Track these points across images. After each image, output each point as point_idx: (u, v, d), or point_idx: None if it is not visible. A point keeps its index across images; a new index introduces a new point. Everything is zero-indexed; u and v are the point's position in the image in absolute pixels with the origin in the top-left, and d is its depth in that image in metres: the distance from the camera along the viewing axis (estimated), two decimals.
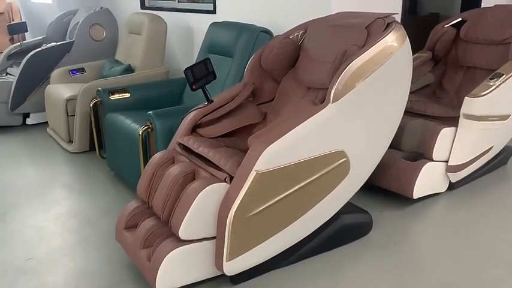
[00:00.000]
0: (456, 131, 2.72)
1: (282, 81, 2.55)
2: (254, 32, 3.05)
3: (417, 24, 4.73)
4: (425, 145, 2.71)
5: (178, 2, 4.35)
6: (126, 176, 3.05)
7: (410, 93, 2.32)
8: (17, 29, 4.93)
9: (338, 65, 2.07)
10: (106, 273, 2.16)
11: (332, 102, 1.98)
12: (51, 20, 5.13)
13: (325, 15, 2.56)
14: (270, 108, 2.56)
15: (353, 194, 2.23)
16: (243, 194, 1.83)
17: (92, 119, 3.38)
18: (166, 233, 1.97)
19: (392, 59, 2.10)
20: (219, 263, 1.91)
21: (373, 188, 2.74)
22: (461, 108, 2.70)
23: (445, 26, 3.36)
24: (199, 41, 3.55)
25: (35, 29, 5.72)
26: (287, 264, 2.15)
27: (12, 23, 5.76)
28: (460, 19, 3.38)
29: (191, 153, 2.22)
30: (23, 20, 6.08)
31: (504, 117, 2.90)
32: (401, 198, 2.73)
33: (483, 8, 3.53)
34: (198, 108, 2.39)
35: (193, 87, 2.30)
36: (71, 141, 3.75)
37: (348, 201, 2.23)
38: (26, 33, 5.44)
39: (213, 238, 1.93)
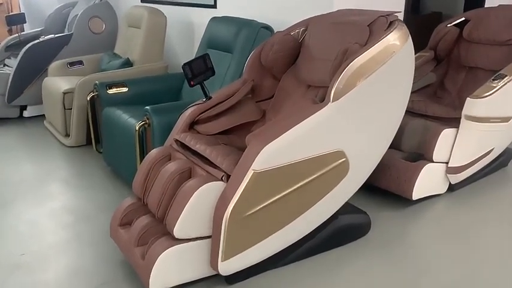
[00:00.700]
0: (457, 132, 2.68)
1: (282, 79, 2.51)
2: (255, 27, 3.01)
3: (419, 23, 4.68)
4: (426, 146, 2.68)
5: None
6: (122, 172, 3.02)
7: (411, 92, 2.28)
8: (15, 20, 4.87)
9: (339, 64, 2.04)
10: (100, 271, 2.13)
11: (332, 102, 1.94)
12: (50, 11, 5.08)
13: (326, 12, 2.53)
14: (269, 105, 2.53)
15: (352, 195, 2.20)
16: (240, 193, 1.80)
17: (89, 113, 3.34)
18: (161, 231, 1.94)
19: (395, 58, 2.06)
20: (214, 263, 1.88)
21: (371, 188, 2.71)
22: (463, 109, 2.67)
23: (448, 25, 3.32)
24: (199, 36, 3.51)
25: (34, 20, 5.66)
26: (283, 264, 2.12)
27: (10, 14, 5.70)
28: (463, 19, 3.34)
29: (188, 150, 2.19)
30: (21, 11, 6.02)
31: (506, 119, 2.86)
32: (400, 199, 2.70)
33: (487, 7, 3.49)
34: (196, 105, 2.36)
35: (191, 83, 2.27)
36: (67, 135, 3.71)
37: (346, 202, 2.20)
38: (24, 24, 5.39)
39: (208, 237, 1.89)
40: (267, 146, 1.82)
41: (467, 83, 3.23)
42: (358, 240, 2.35)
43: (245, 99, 2.48)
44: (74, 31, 4.38)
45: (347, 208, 2.27)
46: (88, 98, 3.25)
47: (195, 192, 1.81)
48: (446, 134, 2.65)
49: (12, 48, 4.68)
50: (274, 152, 1.83)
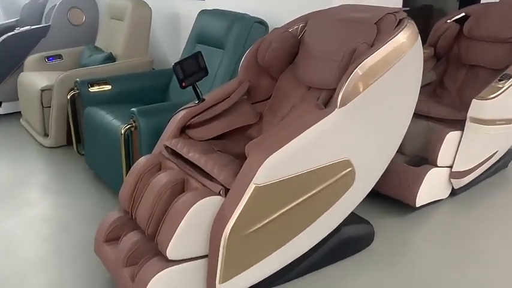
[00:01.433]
0: (462, 135, 2.56)
1: (280, 79, 2.34)
2: (248, 22, 2.82)
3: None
4: (430, 149, 2.55)
5: None
6: (106, 176, 2.82)
7: None
8: None
9: (346, 65, 1.88)
10: None
11: (339, 107, 1.78)
12: (25, 0, 4.78)
13: (326, 8, 2.35)
14: (265, 107, 2.35)
15: (356, 205, 2.06)
16: (240, 209, 1.63)
17: (70, 113, 3.11)
18: (153, 250, 1.76)
19: (404, 58, 1.91)
20: (211, 285, 1.71)
21: (370, 193, 2.56)
22: (469, 111, 2.54)
23: (448, 21, 3.18)
24: (186, 30, 3.31)
25: (8, 10, 5.34)
26: (284, 282, 1.96)
27: None
28: (463, 14, 3.21)
29: (180, 158, 2.00)
30: None
31: (510, 121, 2.75)
32: (402, 205, 2.57)
33: (488, 2, 3.36)
34: (187, 108, 2.17)
35: (183, 84, 2.08)
36: (46, 135, 3.47)
37: None
38: None
39: (204, 257, 1.72)
40: (269, 157, 1.65)
41: (468, 81, 3.11)
42: (361, 252, 2.22)
43: (240, 100, 2.30)
44: (52, 23, 4.12)
45: (350, 218, 2.12)
46: (68, 97, 3.03)
47: (190, 209, 1.64)
48: (451, 137, 2.52)
49: None
50: (278, 164, 1.67)
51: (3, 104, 4.06)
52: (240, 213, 1.63)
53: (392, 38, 1.87)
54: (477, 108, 2.54)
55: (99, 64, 3.52)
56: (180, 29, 3.84)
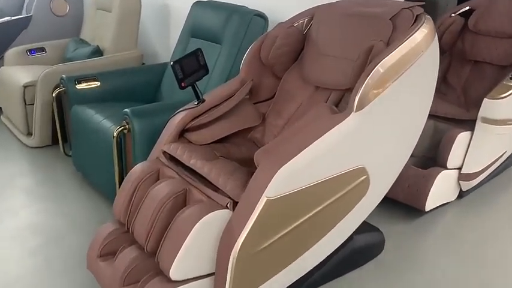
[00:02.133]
0: (472, 135, 2.45)
1: (284, 77, 2.19)
2: (247, 15, 2.65)
3: None
4: (440, 151, 2.43)
5: None
6: (96, 180, 2.64)
7: None
8: None
9: (363, 64, 1.73)
10: None
11: (356, 111, 1.64)
12: None
13: (333, 1, 2.20)
14: (269, 108, 2.20)
15: (369, 214, 1.93)
16: (251, 225, 1.48)
17: (55, 111, 2.91)
18: (153, 268, 1.61)
19: (422, 58, 1.77)
20: None
21: None
22: (480, 111, 2.43)
23: (452, 14, 3.06)
24: (177, 22, 3.12)
25: None
26: None
27: None
28: (467, 8, 3.09)
29: (180, 165, 1.85)
30: None
31: None
32: (409, 209, 2.46)
33: None
34: (186, 109, 2.00)
35: (183, 84, 1.90)
36: (29, 134, 3.26)
37: None
38: None
39: (210, 275, 1.58)
40: (282, 167, 1.50)
41: (473, 78, 3.00)
42: (371, 261, 2.10)
43: (242, 101, 2.14)
44: (34, 13, 3.86)
45: (361, 227, 2.00)
46: (54, 95, 2.82)
47: (196, 225, 1.48)
48: (462, 138, 2.41)
49: None
50: (292, 174, 1.52)
51: None
52: (250, 229, 1.49)
53: (411, 35, 1.73)
54: (489, 108, 2.42)
55: (86, 58, 3.31)
56: (171, 21, 3.65)
